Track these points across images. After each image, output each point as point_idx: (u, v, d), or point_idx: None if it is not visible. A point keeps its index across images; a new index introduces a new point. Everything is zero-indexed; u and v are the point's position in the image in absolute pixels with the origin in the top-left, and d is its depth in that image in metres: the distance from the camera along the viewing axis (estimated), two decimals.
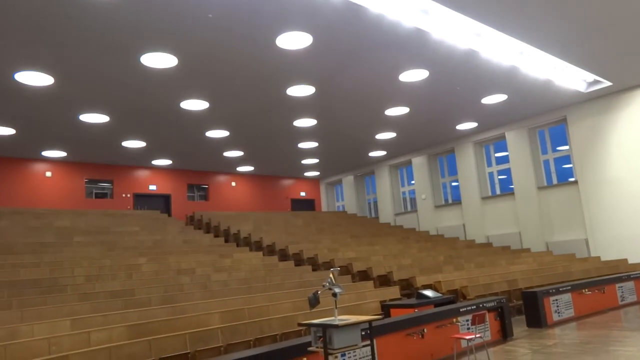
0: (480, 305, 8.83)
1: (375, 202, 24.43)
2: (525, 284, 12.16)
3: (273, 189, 24.23)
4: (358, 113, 14.92)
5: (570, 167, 16.79)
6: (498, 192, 19.08)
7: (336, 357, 6.29)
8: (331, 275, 5.50)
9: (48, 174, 17.80)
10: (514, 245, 17.78)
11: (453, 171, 20.64)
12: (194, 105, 13.03)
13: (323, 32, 9.54)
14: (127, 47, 9.51)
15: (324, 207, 26.37)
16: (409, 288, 12.07)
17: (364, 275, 12.97)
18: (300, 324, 5.66)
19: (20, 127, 13.82)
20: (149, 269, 11.33)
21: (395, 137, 18.38)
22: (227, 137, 16.42)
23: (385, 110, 14.83)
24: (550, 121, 17.00)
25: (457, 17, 9.46)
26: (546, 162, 17.60)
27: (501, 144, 18.95)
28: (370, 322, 5.50)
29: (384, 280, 12.65)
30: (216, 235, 18.24)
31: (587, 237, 15.85)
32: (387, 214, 22.97)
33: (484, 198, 19.03)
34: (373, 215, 24.77)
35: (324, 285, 5.49)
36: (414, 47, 10.51)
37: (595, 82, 14.53)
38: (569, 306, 10.78)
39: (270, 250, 15.98)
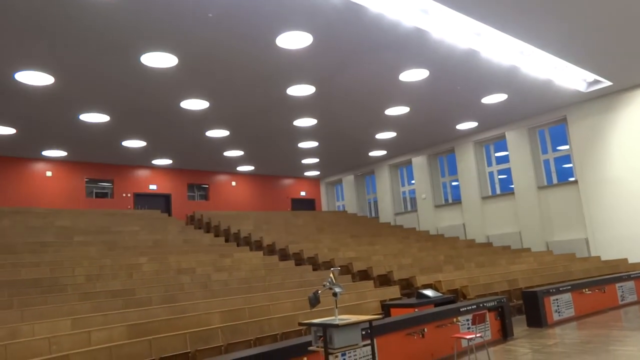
0: (481, 305, 8.84)
1: (376, 202, 24.44)
2: (525, 284, 12.16)
3: (273, 189, 24.23)
4: (358, 113, 14.92)
5: (571, 167, 16.79)
6: (498, 191, 19.08)
7: (336, 356, 6.29)
8: (331, 275, 5.50)
9: (48, 173, 17.81)
10: (514, 244, 17.78)
11: (453, 171, 20.64)
12: (194, 104, 13.04)
13: (323, 32, 9.54)
14: (127, 46, 9.51)
15: (324, 206, 26.38)
16: (409, 288, 12.07)
17: (364, 275, 12.97)
18: (300, 324, 5.66)
19: (21, 126, 13.82)
20: (150, 269, 11.34)
21: (395, 136, 18.38)
22: (227, 136, 16.42)
23: (386, 109, 14.83)
24: (551, 121, 17.00)
25: (457, 17, 9.46)
26: (546, 162, 17.60)
27: (501, 144, 18.95)
28: (370, 321, 5.50)
29: (384, 280, 12.66)
30: (216, 235, 18.25)
31: (587, 236, 15.86)
32: (387, 213, 22.97)
33: (484, 198, 19.03)
34: (373, 214, 24.77)
35: (324, 285, 5.50)
36: (414, 46, 10.51)
37: (596, 81, 14.53)
38: (569, 306, 10.79)
39: (270, 250, 15.99)
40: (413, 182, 22.09)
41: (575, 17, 9.74)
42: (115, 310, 8.23)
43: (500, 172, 19.19)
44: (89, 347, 6.38)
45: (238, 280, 11.06)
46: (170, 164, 20.14)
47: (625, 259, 14.61)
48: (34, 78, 10.57)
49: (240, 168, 21.99)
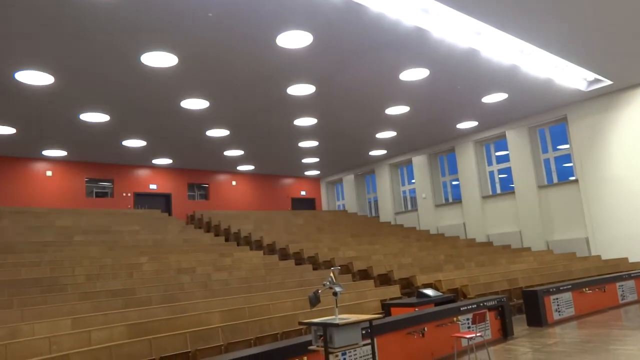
0: (481, 304, 8.84)
1: (376, 201, 24.43)
2: (525, 283, 12.16)
3: (273, 188, 24.23)
4: (358, 112, 14.92)
5: (571, 166, 16.79)
6: (498, 191, 19.08)
7: (337, 356, 6.29)
8: (332, 274, 5.50)
9: (48, 173, 17.81)
10: (515, 244, 17.78)
11: (453, 170, 20.64)
12: (194, 104, 13.03)
13: (323, 31, 9.54)
14: (127, 46, 9.51)
15: (325, 206, 26.38)
16: (409, 287, 12.07)
17: (365, 274, 12.97)
18: (300, 323, 5.66)
19: (21, 126, 13.82)
20: (150, 268, 11.34)
21: (395, 136, 18.38)
22: (227, 136, 16.42)
23: (386, 109, 14.82)
24: (551, 120, 16.99)
25: (457, 16, 9.45)
26: (546, 161, 17.60)
27: (501, 143, 18.94)
28: (370, 321, 5.50)
29: (385, 279, 12.66)
30: (216, 235, 18.26)
31: (587, 235, 15.85)
32: (387, 213, 22.97)
33: (485, 197, 19.02)
34: (373, 214, 24.77)
35: (324, 284, 5.49)
36: (415, 46, 10.51)
37: (596, 80, 14.52)
38: (570, 305, 10.79)
39: (270, 249, 15.99)
40: (413, 181, 22.09)
41: (575, 16, 9.73)
42: (116, 309, 8.23)
43: (500, 171, 19.18)
44: (89, 347, 6.38)
45: (238, 279, 11.06)
46: (170, 164, 20.14)
47: (626, 258, 14.61)
48: (34, 78, 10.57)
49: (241, 167, 21.99)
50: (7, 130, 14.01)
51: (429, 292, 9.32)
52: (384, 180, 23.06)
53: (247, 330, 7.79)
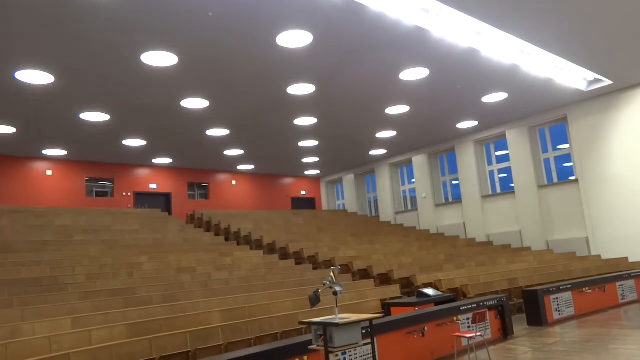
0: (481, 304, 8.84)
1: (376, 201, 24.43)
2: (525, 283, 12.16)
3: (273, 188, 24.23)
4: (358, 111, 14.92)
5: (571, 166, 16.79)
6: (498, 190, 19.08)
7: (337, 355, 6.29)
8: (332, 274, 5.50)
9: (49, 172, 17.81)
10: (515, 243, 17.78)
11: (453, 170, 20.64)
12: (194, 103, 13.03)
13: (323, 31, 9.54)
14: (127, 45, 9.50)
15: (325, 205, 26.38)
16: (409, 286, 12.08)
17: (365, 274, 12.98)
18: (301, 323, 5.67)
19: (21, 125, 13.82)
20: (150, 268, 11.35)
21: (395, 135, 18.38)
22: (227, 135, 16.41)
23: (386, 108, 14.82)
24: (551, 120, 16.99)
25: (457, 16, 9.45)
26: (547, 161, 17.60)
27: (502, 143, 18.94)
28: (370, 320, 5.50)
29: (385, 279, 12.66)
30: (217, 234, 18.26)
31: (587, 235, 15.85)
32: (387, 212, 22.97)
33: (485, 196, 19.02)
34: (373, 213, 24.77)
35: (324, 284, 5.50)
36: (415, 45, 10.50)
37: (596, 80, 14.52)
38: (570, 305, 10.79)
39: (270, 249, 15.99)
40: (413, 181, 22.09)
41: (575, 15, 9.73)
42: (116, 309, 8.24)
43: (500, 171, 19.18)
44: (89, 346, 6.38)
45: (238, 279, 11.07)
46: (170, 163, 20.14)
47: (626, 258, 14.61)
48: (34, 77, 10.57)
49: (241, 167, 21.99)
50: (7, 129, 14.01)
51: (429, 291, 9.33)
52: (384, 180, 23.06)
53: (247, 329, 7.79)
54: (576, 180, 16.24)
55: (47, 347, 6.37)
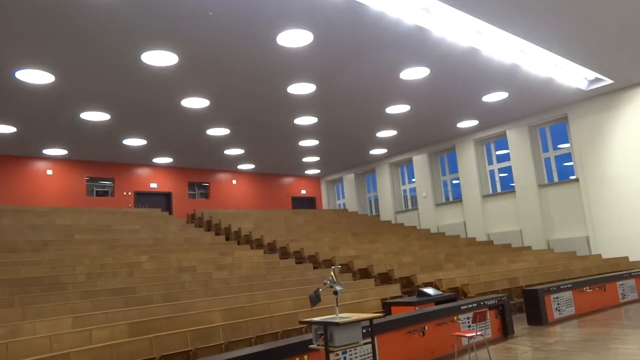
0: (481, 303, 8.84)
1: (376, 200, 24.44)
2: (526, 282, 12.16)
3: (274, 187, 24.23)
4: (359, 111, 14.92)
5: (571, 165, 16.78)
6: (499, 190, 19.08)
7: (337, 354, 6.30)
8: (332, 273, 5.51)
9: (49, 172, 17.82)
10: (515, 243, 17.78)
11: (454, 169, 20.64)
12: (195, 103, 13.03)
13: (324, 30, 9.53)
14: (127, 45, 9.50)
15: (325, 205, 26.38)
16: (409, 286, 12.08)
17: (365, 273, 12.98)
18: (301, 322, 5.67)
19: (21, 125, 13.83)
20: (150, 267, 11.35)
21: (396, 135, 18.37)
22: (227, 135, 16.42)
23: (386, 108, 14.82)
24: (551, 119, 16.98)
25: (458, 15, 9.45)
26: (547, 160, 17.59)
27: (502, 142, 18.93)
28: (371, 319, 5.51)
29: (385, 278, 12.66)
30: (217, 233, 18.25)
31: (588, 234, 15.85)
32: (387, 211, 22.97)
33: (485, 196, 19.02)
34: (374, 213, 24.77)
35: (325, 283, 5.50)
36: (415, 44, 10.50)
37: (597, 80, 14.51)
38: (570, 304, 10.79)
39: (271, 248, 16.00)
40: (414, 180, 22.09)
41: (576, 15, 9.72)
42: (116, 308, 8.24)
43: (501, 170, 19.18)
44: (90, 346, 6.38)
45: (239, 278, 11.07)
46: (170, 163, 20.15)
47: (626, 257, 14.61)
48: (35, 76, 10.57)
49: (241, 166, 21.99)
50: (8, 129, 14.01)
51: (430, 291, 9.33)
52: (385, 179, 23.06)
53: (248, 329, 7.79)
54: (577, 180, 16.24)
55: (47, 347, 6.37)
